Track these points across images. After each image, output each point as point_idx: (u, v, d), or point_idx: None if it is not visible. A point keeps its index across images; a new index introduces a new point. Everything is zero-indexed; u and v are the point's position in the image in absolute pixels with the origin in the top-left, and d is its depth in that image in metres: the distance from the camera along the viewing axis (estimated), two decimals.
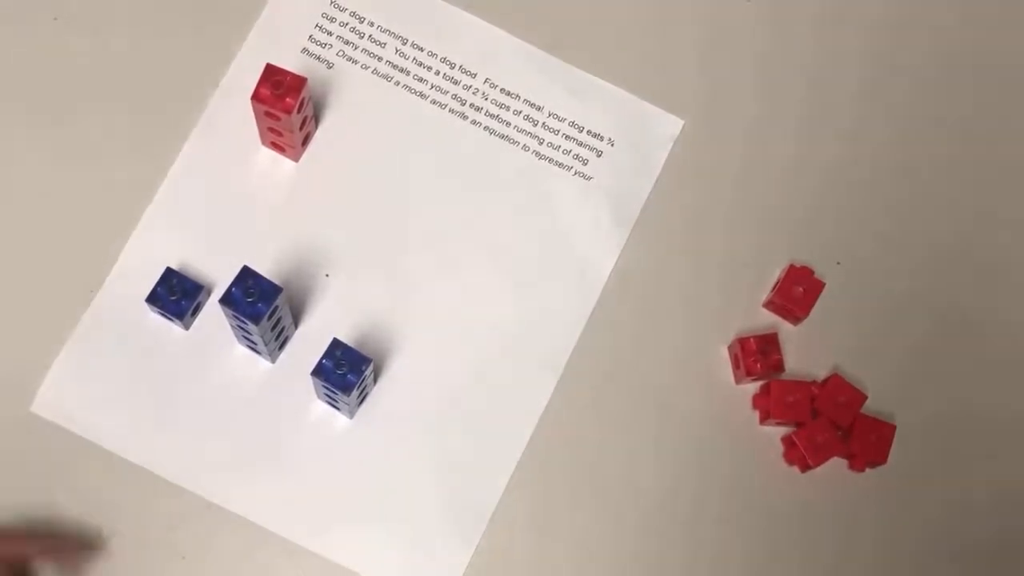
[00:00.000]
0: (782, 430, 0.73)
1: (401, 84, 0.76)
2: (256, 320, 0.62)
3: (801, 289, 0.72)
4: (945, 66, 0.79)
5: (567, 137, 0.76)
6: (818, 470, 0.71)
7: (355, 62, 0.76)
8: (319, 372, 0.65)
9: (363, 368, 0.65)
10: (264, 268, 0.64)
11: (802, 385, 0.71)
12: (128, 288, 0.70)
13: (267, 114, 0.68)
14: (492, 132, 0.75)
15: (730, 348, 0.73)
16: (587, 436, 0.72)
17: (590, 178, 0.75)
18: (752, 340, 0.71)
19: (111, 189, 0.72)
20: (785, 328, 0.74)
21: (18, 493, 0.68)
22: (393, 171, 0.74)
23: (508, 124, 0.75)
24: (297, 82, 0.67)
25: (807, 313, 0.73)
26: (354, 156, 0.74)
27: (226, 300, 0.62)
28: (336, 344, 0.65)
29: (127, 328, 0.70)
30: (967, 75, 0.79)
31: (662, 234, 0.75)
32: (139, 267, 0.70)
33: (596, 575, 0.70)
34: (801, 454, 0.70)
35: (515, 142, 0.75)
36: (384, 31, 0.76)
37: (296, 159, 0.73)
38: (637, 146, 0.76)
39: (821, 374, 0.73)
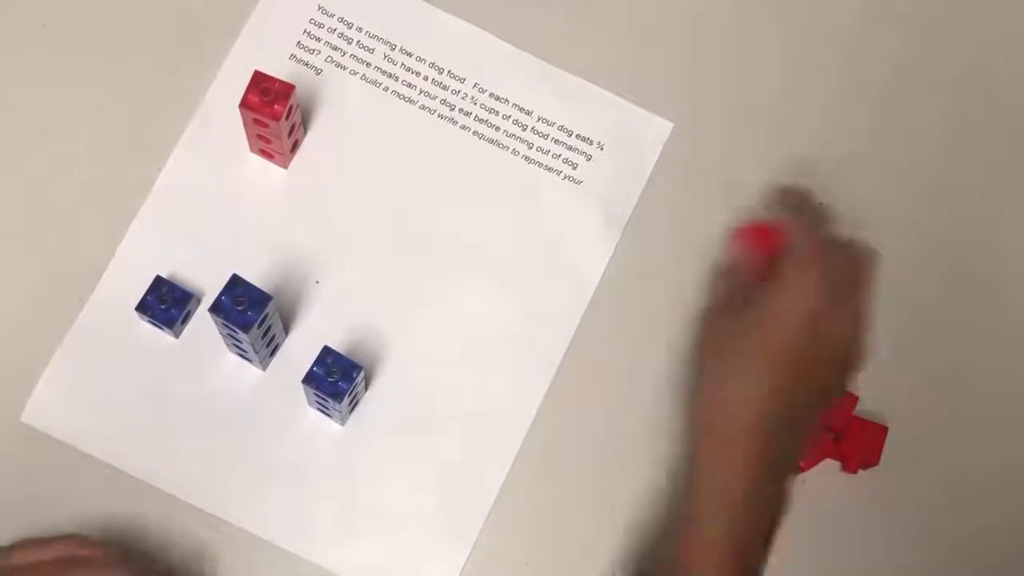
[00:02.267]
0: None
1: (390, 90, 0.75)
2: (246, 328, 0.62)
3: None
4: (940, 65, 0.79)
5: (556, 141, 0.76)
6: (811, 472, 0.71)
7: (343, 68, 0.75)
8: (310, 380, 0.65)
9: (354, 375, 0.65)
10: (254, 275, 0.64)
11: None
12: (118, 297, 0.70)
13: (255, 121, 0.68)
14: (481, 137, 0.75)
15: None
16: (580, 439, 0.72)
17: (580, 182, 0.75)
18: None
19: (100, 197, 0.72)
20: None
21: (8, 504, 0.67)
22: (382, 177, 0.74)
23: (497, 129, 0.75)
24: (285, 88, 0.67)
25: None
26: (343, 162, 0.74)
27: (216, 308, 0.62)
28: (327, 351, 0.65)
29: (117, 337, 0.70)
30: (963, 74, 0.79)
31: (652, 237, 0.75)
32: (129, 276, 0.70)
33: None
34: None
35: (504, 147, 0.75)
36: (372, 36, 0.76)
37: (285, 166, 0.73)
38: (626, 149, 0.76)
39: None
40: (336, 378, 0.65)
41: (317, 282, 0.72)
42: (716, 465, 0.54)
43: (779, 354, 0.53)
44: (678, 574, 0.54)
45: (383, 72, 0.76)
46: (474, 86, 0.76)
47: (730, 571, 0.53)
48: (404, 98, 0.75)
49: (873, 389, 0.73)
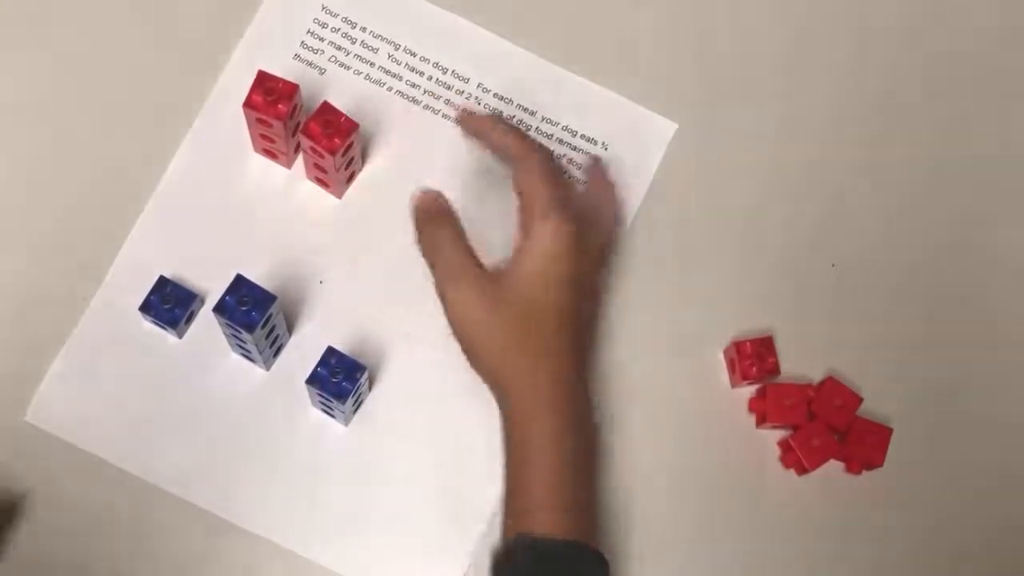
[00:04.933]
0: (779, 433, 0.73)
1: (394, 90, 0.75)
2: (250, 329, 0.62)
3: None
4: (943, 67, 0.79)
5: (561, 142, 0.75)
6: (815, 473, 0.71)
7: (347, 68, 0.75)
8: (314, 380, 0.65)
9: (358, 376, 0.65)
10: (257, 276, 0.64)
11: (798, 388, 0.71)
12: (122, 297, 0.70)
13: (259, 121, 0.68)
14: None
15: (726, 352, 0.73)
16: None
17: (584, 182, 0.75)
18: (748, 343, 0.71)
19: (104, 197, 0.72)
20: (781, 331, 0.73)
21: (12, 503, 0.67)
22: (386, 176, 0.74)
23: None
24: (289, 88, 0.67)
25: None
26: None
27: (220, 309, 0.62)
28: (331, 352, 0.65)
29: (121, 337, 0.70)
30: (966, 76, 0.79)
31: (656, 238, 0.75)
32: (132, 276, 0.70)
33: None
34: (798, 457, 0.70)
35: None
36: (376, 36, 0.76)
37: (288, 166, 0.73)
38: (631, 150, 0.76)
39: (817, 377, 0.73)
40: (340, 378, 0.65)
41: (321, 282, 0.72)
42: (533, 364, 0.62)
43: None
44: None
45: (387, 72, 0.76)
46: (478, 86, 0.76)
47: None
48: (408, 98, 0.75)
49: (878, 390, 0.73)
